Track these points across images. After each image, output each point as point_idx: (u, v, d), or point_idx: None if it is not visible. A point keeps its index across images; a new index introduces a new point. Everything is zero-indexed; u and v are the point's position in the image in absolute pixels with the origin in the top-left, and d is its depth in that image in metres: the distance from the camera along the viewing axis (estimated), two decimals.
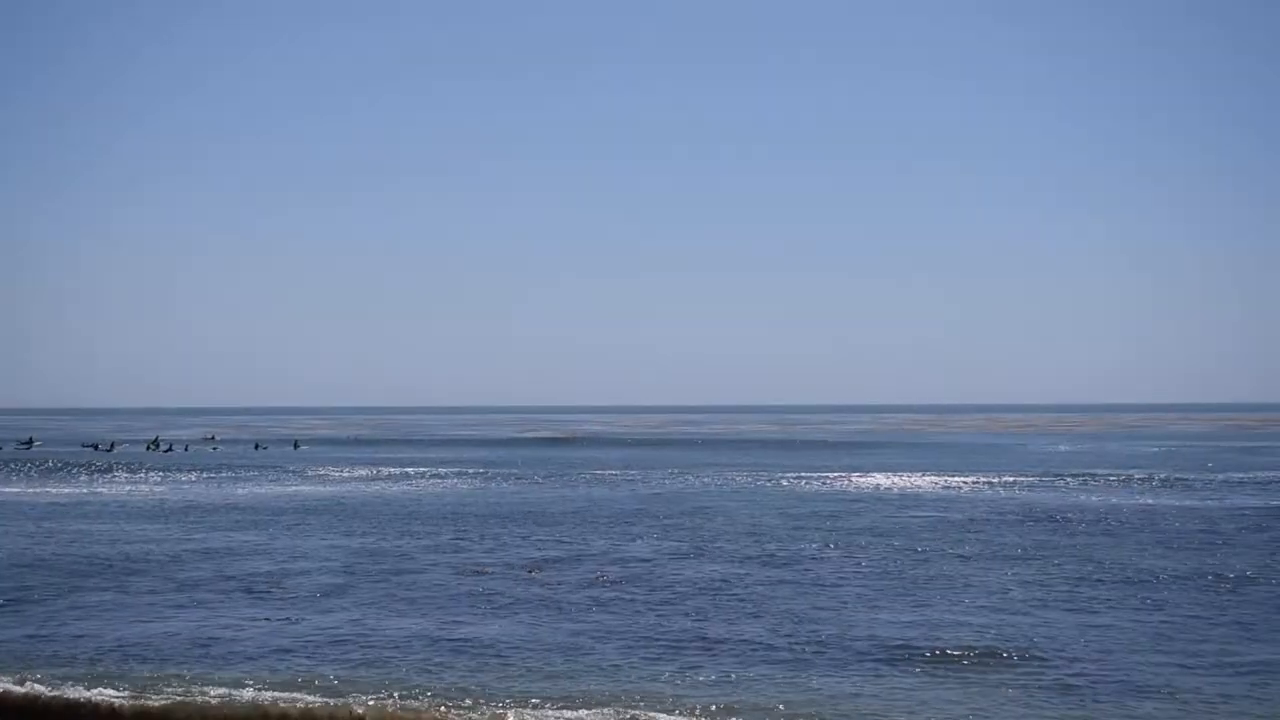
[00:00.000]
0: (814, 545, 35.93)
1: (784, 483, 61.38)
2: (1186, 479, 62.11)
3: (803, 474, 68.23)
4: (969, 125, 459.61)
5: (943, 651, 21.65)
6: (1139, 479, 62.48)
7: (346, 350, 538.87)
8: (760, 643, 22.49)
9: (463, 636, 23.28)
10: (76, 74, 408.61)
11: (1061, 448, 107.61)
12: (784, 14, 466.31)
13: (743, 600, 26.85)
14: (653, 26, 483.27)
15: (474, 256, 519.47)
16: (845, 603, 26.46)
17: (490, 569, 31.80)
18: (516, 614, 25.55)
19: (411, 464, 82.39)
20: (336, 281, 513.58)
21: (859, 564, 32.13)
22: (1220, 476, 63.95)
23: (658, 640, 22.79)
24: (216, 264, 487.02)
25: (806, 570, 31.16)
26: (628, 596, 27.51)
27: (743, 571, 30.99)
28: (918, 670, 20.50)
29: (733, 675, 20.16)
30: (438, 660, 21.47)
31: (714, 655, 21.58)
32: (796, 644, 22.35)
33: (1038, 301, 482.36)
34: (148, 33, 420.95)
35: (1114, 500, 50.38)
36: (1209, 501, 49.43)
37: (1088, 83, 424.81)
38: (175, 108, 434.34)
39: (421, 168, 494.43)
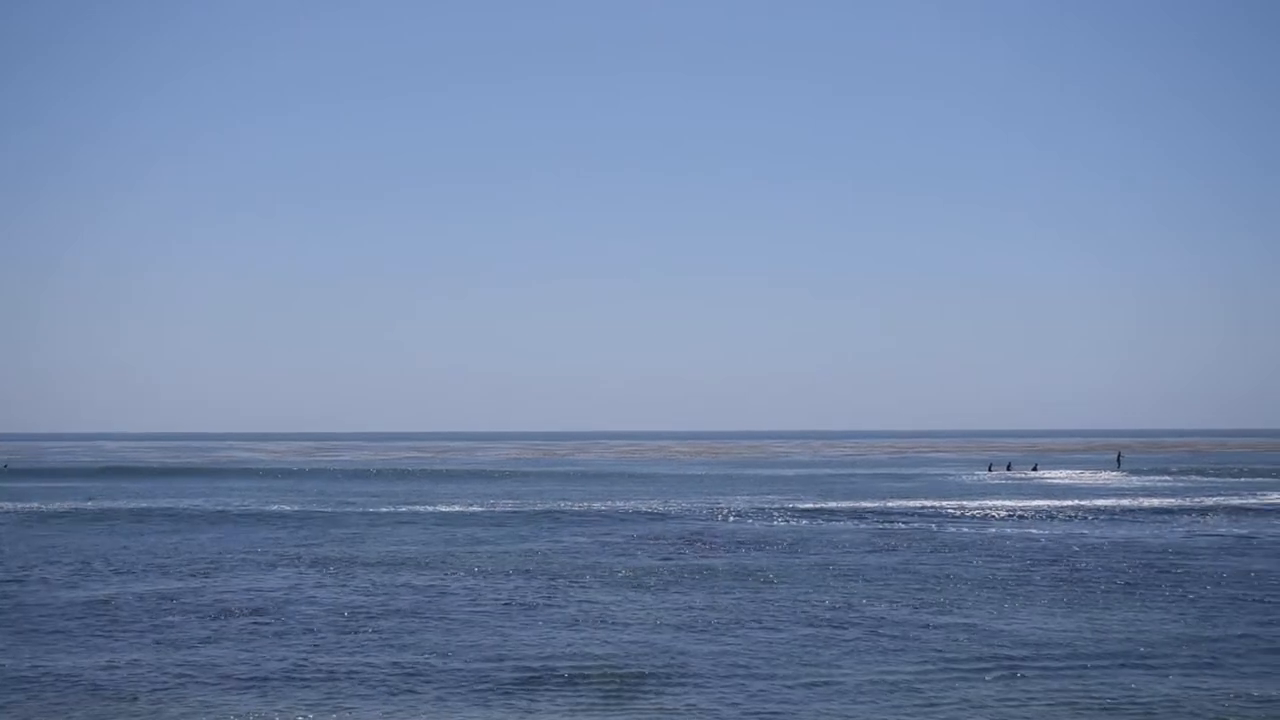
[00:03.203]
0: (456, 572, 35.94)
1: (431, 510, 61.10)
2: (827, 507, 64.68)
3: (453, 502, 68.09)
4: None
5: (580, 675, 21.97)
6: (777, 505, 64.64)
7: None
8: (382, 671, 22.31)
9: (61, 672, 22.32)
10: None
11: (698, 471, 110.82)
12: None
13: (373, 630, 26.57)
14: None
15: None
16: (479, 629, 26.51)
17: (112, 601, 30.58)
18: (127, 647, 24.65)
19: (39, 495, 78.51)
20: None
21: (498, 590, 32.30)
22: (850, 504, 66.92)
23: (272, 671, 22.34)
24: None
25: (443, 597, 31.13)
26: (252, 627, 26.89)
27: (377, 600, 30.69)
28: (551, 695, 20.71)
29: (333, 710, 19.87)
30: (13, 696, 20.53)
31: (321, 687, 21.28)
32: (421, 672, 22.27)
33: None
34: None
35: (750, 524, 52.06)
36: (835, 524, 51.65)
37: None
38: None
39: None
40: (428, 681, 21.62)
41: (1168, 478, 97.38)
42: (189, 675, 22.10)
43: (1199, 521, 53.58)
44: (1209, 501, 65.52)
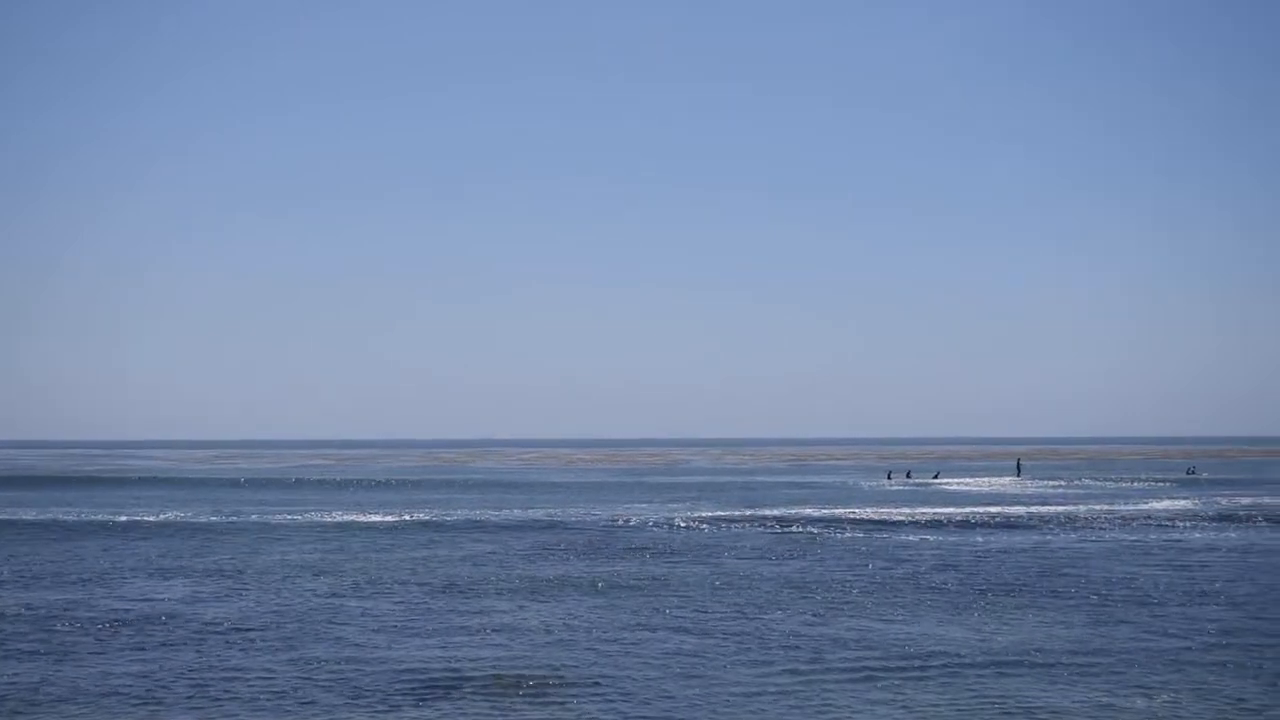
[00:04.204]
0: (349, 582, 35.65)
1: (327, 520, 60.51)
2: (725, 514, 64.85)
3: (350, 511, 67.52)
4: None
5: (471, 685, 21.89)
6: (677, 513, 64.66)
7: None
8: (272, 682, 22.05)
9: None
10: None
11: (588, 480, 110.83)
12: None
13: (263, 641, 26.23)
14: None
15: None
16: (371, 639, 26.29)
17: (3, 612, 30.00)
18: (9, 660, 24.17)
19: None
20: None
21: (392, 599, 32.08)
22: (750, 511, 67.19)
23: (159, 684, 22.02)
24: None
25: (336, 607, 30.84)
26: (140, 639, 26.45)
27: (268, 611, 30.33)
28: (442, 705, 20.58)
29: None
30: None
31: (209, 698, 21.00)
32: (311, 683, 22.04)
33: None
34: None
35: (649, 532, 52.08)
36: (734, 530, 51.82)
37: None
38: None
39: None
40: (318, 693, 21.39)
41: (1062, 484, 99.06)
42: (73, 688, 21.69)
43: (1090, 527, 54.50)
44: (1100, 508, 66.65)
